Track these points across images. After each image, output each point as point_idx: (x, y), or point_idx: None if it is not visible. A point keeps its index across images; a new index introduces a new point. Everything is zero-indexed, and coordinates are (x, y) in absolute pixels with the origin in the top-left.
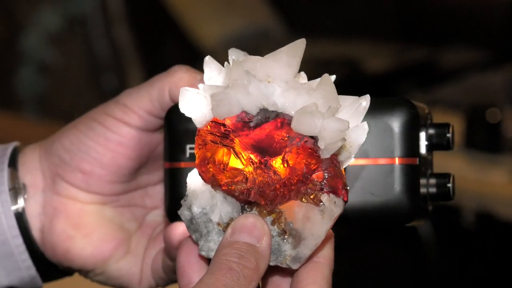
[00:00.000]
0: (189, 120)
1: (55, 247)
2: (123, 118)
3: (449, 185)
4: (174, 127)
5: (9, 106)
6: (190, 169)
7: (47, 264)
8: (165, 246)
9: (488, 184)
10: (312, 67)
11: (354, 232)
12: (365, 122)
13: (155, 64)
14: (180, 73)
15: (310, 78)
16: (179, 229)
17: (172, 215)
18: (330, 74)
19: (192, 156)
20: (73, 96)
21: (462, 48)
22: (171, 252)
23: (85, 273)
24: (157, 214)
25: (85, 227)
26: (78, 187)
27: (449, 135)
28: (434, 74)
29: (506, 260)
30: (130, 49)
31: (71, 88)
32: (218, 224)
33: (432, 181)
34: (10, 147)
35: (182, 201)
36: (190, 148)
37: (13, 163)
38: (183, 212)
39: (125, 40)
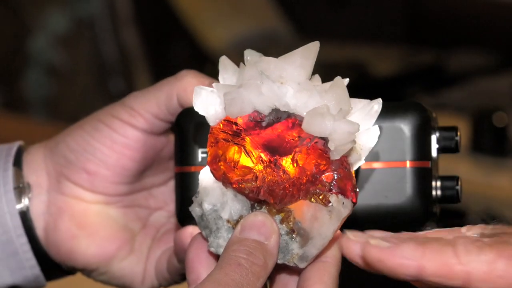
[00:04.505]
0: (200, 124)
1: (59, 246)
2: (130, 120)
3: (457, 187)
4: (185, 131)
5: (17, 108)
6: None
7: (50, 263)
8: (175, 248)
9: (494, 188)
10: (319, 71)
11: None
12: (377, 126)
13: (162, 68)
14: (188, 78)
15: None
16: (190, 232)
17: (183, 219)
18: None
19: (204, 160)
20: (80, 98)
21: (469, 52)
22: (180, 255)
23: (88, 272)
24: (161, 215)
25: (89, 227)
26: (83, 187)
27: (457, 138)
28: (441, 78)
29: None
30: (138, 52)
31: (79, 91)
32: (228, 221)
33: (440, 183)
34: (14, 146)
35: (193, 198)
36: (202, 152)
37: (17, 162)
38: (194, 209)
39: (132, 43)
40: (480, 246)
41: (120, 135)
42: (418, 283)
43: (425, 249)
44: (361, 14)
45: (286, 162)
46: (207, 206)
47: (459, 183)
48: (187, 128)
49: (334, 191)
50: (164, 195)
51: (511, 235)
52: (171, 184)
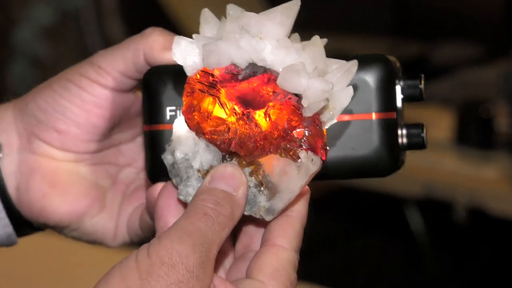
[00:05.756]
0: (168, 82)
1: (31, 204)
2: (98, 79)
3: (423, 134)
4: (153, 89)
5: (1, 99)
6: (169, 131)
7: (22, 222)
8: (147, 205)
9: (480, 180)
10: None
11: (347, 229)
12: (351, 86)
13: None
14: (154, 36)
15: None
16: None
17: (154, 176)
18: None
19: (172, 118)
20: None
21: (456, 43)
22: (152, 211)
23: (60, 229)
24: (130, 172)
25: (60, 185)
26: (54, 145)
27: (421, 86)
28: (427, 69)
29: (497, 254)
30: None
31: None
32: (198, 170)
33: (406, 131)
34: None
35: (166, 146)
36: (170, 111)
37: None
38: (166, 157)
39: (117, 34)
40: None
41: (89, 94)
42: None
43: None
44: (348, 6)
45: (259, 116)
46: (179, 154)
47: (424, 130)
48: (155, 86)
49: (304, 147)
50: (132, 151)
51: None
52: (139, 141)
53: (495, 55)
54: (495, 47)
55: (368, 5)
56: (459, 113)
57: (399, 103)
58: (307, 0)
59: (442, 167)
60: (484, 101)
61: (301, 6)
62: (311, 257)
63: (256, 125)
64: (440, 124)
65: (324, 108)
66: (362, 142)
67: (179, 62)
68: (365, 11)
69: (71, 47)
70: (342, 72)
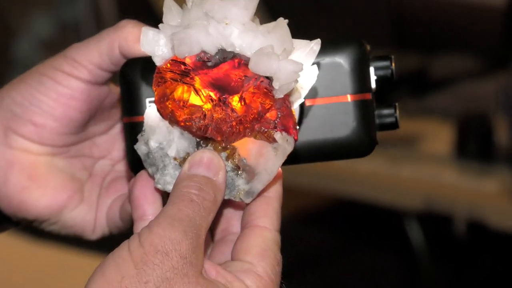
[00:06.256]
0: (145, 73)
1: (10, 199)
2: (73, 72)
3: (396, 114)
4: (131, 81)
5: None
6: None
7: (1, 217)
8: (129, 196)
9: (480, 193)
10: None
11: (346, 242)
12: (315, 65)
13: None
14: (128, 28)
15: None
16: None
17: (135, 167)
18: None
19: None
20: None
21: (455, 56)
22: None
23: (39, 223)
24: (105, 164)
25: (39, 178)
26: (31, 139)
27: (392, 67)
28: (426, 82)
29: (497, 268)
30: None
31: None
32: (175, 158)
33: (379, 112)
34: None
35: (138, 136)
36: (149, 102)
37: None
38: (140, 147)
39: None
40: None
41: (65, 87)
42: None
43: None
44: (348, 19)
45: (234, 101)
46: (153, 144)
47: (397, 110)
48: (133, 78)
49: (278, 128)
50: (106, 143)
51: None
52: (112, 133)
53: (495, 67)
54: (495, 59)
55: (368, 18)
56: (459, 126)
57: (373, 84)
58: (307, 12)
59: (441, 180)
60: (484, 114)
61: (302, 18)
62: (311, 271)
63: (233, 110)
64: (439, 137)
65: (292, 89)
66: (340, 124)
67: (148, 53)
68: (364, 23)
69: None
70: (306, 52)
